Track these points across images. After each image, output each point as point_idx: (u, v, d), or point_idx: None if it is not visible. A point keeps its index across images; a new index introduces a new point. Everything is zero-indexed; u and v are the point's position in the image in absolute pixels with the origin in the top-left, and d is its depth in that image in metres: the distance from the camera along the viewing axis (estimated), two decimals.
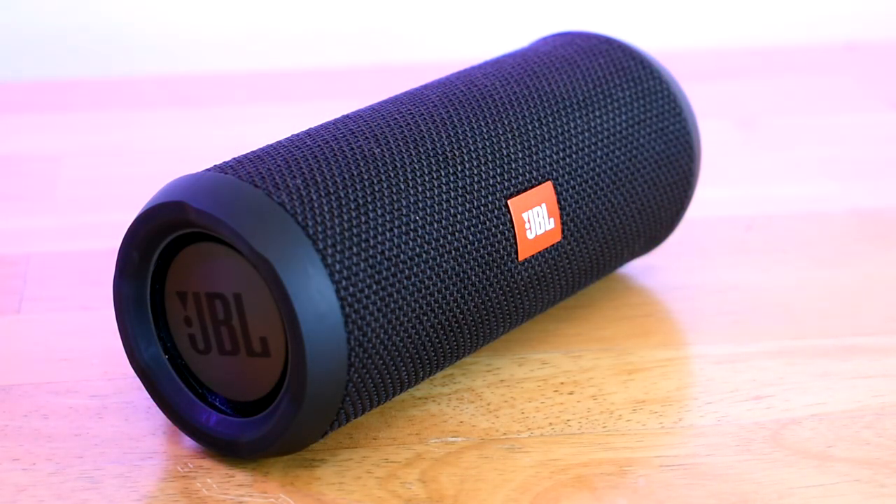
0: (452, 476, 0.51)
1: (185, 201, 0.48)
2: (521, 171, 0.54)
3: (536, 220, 0.54)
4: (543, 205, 0.54)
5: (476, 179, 0.53)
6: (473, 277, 0.52)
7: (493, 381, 0.56)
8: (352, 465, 0.52)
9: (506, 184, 0.53)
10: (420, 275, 0.50)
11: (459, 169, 0.52)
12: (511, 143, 0.54)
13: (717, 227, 0.69)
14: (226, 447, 0.51)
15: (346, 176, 0.50)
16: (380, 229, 0.49)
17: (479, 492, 0.50)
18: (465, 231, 0.52)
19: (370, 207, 0.50)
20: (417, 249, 0.50)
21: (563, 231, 0.55)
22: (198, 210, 0.48)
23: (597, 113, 0.57)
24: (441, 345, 0.52)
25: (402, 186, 0.51)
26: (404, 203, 0.51)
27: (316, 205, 0.49)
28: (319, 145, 0.51)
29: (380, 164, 0.51)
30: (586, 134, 0.57)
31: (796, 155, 0.78)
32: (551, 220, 0.55)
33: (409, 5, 0.94)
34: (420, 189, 0.51)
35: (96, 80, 0.90)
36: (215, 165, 0.51)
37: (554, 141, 0.55)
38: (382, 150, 0.51)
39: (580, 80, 0.58)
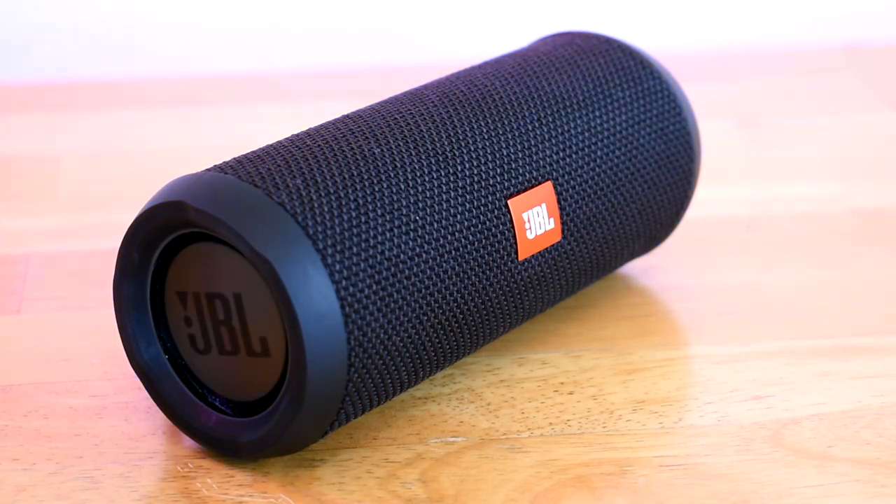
0: (452, 476, 0.51)
1: (185, 201, 0.48)
2: (521, 171, 0.54)
3: (536, 220, 0.54)
4: (543, 205, 0.54)
5: (476, 179, 0.53)
6: (473, 277, 0.52)
7: (493, 381, 0.56)
8: (352, 465, 0.52)
9: (506, 184, 0.53)
10: (420, 275, 0.50)
11: (459, 169, 0.52)
12: (511, 143, 0.54)
13: (717, 227, 0.69)
14: (226, 447, 0.51)
15: (346, 176, 0.50)
16: (380, 229, 0.49)
17: (479, 492, 0.50)
18: (465, 231, 0.52)
19: (370, 207, 0.50)
20: (417, 249, 0.50)
21: (563, 231, 0.55)
22: (198, 210, 0.48)
23: (597, 113, 0.57)
24: (441, 345, 0.52)
25: (402, 186, 0.51)
26: (404, 203, 0.50)
27: (316, 205, 0.49)
28: (319, 145, 0.51)
29: (380, 164, 0.51)
30: (586, 134, 0.57)
31: (796, 155, 0.78)
32: (551, 220, 0.55)
33: (409, 5, 0.94)
34: (420, 189, 0.51)
35: (96, 80, 0.90)
36: (215, 165, 0.51)
37: (554, 141, 0.55)
38: (382, 150, 0.51)
39: (580, 80, 0.58)
